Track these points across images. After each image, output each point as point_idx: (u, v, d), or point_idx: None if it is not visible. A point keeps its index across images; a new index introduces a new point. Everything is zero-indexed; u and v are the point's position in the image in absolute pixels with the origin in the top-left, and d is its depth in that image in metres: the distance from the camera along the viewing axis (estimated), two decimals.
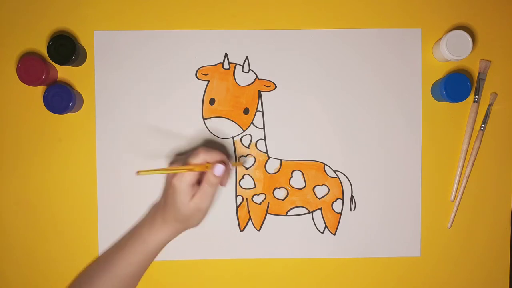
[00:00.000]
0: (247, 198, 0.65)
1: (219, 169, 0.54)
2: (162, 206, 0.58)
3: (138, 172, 0.50)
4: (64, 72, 0.64)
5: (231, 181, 0.65)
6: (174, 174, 0.55)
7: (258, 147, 0.65)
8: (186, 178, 0.54)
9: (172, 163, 0.62)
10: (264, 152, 0.65)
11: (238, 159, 0.64)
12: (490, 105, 0.65)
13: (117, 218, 0.64)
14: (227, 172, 0.57)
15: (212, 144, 0.64)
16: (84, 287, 0.58)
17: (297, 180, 0.65)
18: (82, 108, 0.64)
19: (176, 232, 0.58)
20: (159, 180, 0.64)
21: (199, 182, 0.56)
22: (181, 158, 0.58)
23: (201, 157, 0.55)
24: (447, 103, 0.65)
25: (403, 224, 0.65)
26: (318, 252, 0.65)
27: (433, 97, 0.65)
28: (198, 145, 0.64)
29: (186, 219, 0.56)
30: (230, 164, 0.59)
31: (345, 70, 0.65)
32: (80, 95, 0.64)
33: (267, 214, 0.65)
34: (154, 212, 0.60)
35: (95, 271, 0.59)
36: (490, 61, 0.65)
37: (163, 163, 0.64)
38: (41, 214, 0.64)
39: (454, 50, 0.61)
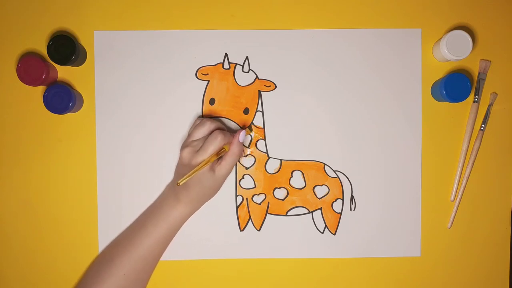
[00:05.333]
0: (247, 198, 0.65)
1: (242, 135, 0.59)
2: (184, 187, 0.59)
3: (178, 183, 0.54)
4: (64, 72, 0.64)
5: (231, 181, 0.65)
6: (187, 150, 0.58)
7: (258, 147, 0.65)
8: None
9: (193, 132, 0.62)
10: (264, 152, 0.65)
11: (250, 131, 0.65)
12: (490, 105, 0.65)
13: (117, 218, 0.64)
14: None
15: None
16: (104, 271, 0.59)
17: (297, 180, 0.65)
18: (82, 108, 0.64)
19: (198, 207, 0.62)
20: (159, 181, 0.64)
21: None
22: (197, 141, 0.59)
23: (219, 139, 0.58)
24: (447, 103, 0.65)
25: (403, 224, 0.65)
26: (318, 252, 0.65)
27: (433, 97, 0.65)
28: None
29: (210, 192, 0.61)
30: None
31: (345, 70, 0.65)
32: (80, 95, 0.64)
33: (267, 214, 0.65)
34: (174, 192, 0.61)
35: (116, 252, 0.60)
36: (490, 61, 0.65)
37: (163, 163, 0.64)
38: (41, 214, 0.64)
39: (454, 50, 0.61)
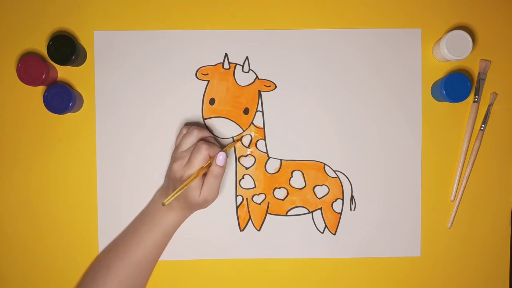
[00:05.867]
0: (247, 198, 0.65)
1: (221, 159, 0.57)
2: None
3: (163, 203, 0.53)
4: (64, 72, 0.64)
5: (231, 181, 0.65)
6: (177, 164, 0.58)
7: (258, 147, 0.65)
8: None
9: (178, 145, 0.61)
10: (264, 152, 0.65)
11: (235, 149, 0.65)
12: (490, 105, 0.65)
13: (117, 218, 0.64)
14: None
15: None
16: (100, 277, 0.59)
17: (297, 180, 0.65)
18: (82, 108, 0.65)
19: (189, 214, 0.61)
20: (159, 181, 0.64)
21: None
22: (186, 152, 0.59)
23: (204, 151, 0.57)
24: (447, 103, 0.65)
25: (403, 224, 0.65)
26: (318, 252, 0.65)
27: (433, 97, 0.65)
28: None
29: (198, 206, 0.59)
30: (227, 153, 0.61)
31: (345, 70, 0.65)
32: (80, 95, 0.64)
33: (267, 214, 0.65)
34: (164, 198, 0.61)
35: (111, 258, 0.60)
36: (490, 61, 0.65)
37: (163, 163, 0.64)
38: (41, 214, 0.64)
39: (454, 50, 0.61)
